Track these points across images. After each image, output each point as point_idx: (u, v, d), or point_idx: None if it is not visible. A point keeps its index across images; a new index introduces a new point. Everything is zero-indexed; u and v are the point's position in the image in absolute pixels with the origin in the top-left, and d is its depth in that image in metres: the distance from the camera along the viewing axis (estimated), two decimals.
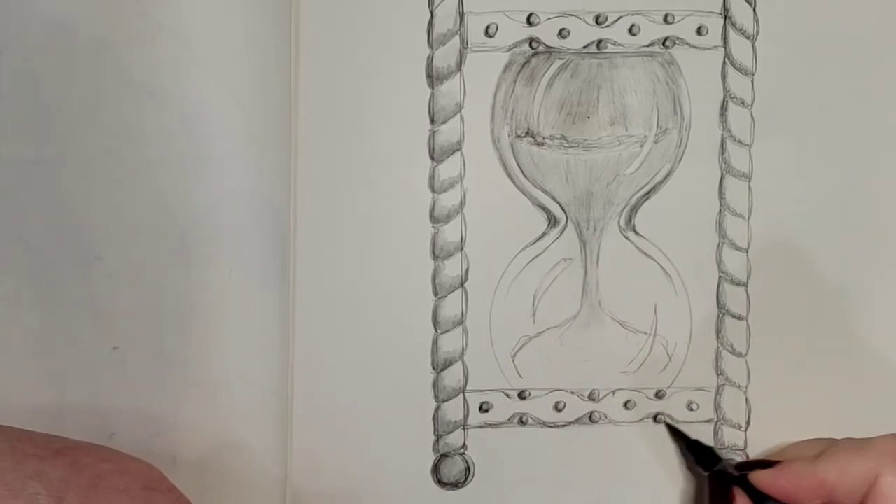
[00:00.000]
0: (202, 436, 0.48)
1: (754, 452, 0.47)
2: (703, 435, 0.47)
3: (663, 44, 0.46)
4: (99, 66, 0.47)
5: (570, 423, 0.47)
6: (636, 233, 0.47)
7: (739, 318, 0.47)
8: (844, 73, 0.47)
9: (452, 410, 0.47)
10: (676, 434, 0.47)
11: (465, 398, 0.47)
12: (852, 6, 0.47)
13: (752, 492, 0.43)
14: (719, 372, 0.47)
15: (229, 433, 0.47)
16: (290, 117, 0.46)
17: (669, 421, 0.47)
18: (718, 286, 0.47)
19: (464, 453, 0.47)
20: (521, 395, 0.47)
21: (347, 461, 0.47)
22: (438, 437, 0.47)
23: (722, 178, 0.46)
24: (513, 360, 0.47)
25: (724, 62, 0.46)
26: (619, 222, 0.47)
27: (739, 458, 0.46)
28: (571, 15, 0.46)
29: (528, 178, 0.47)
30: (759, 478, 0.43)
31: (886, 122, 0.47)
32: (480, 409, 0.47)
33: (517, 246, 0.47)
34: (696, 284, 0.47)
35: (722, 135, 0.47)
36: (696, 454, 0.46)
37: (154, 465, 0.41)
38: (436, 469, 0.47)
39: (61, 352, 0.47)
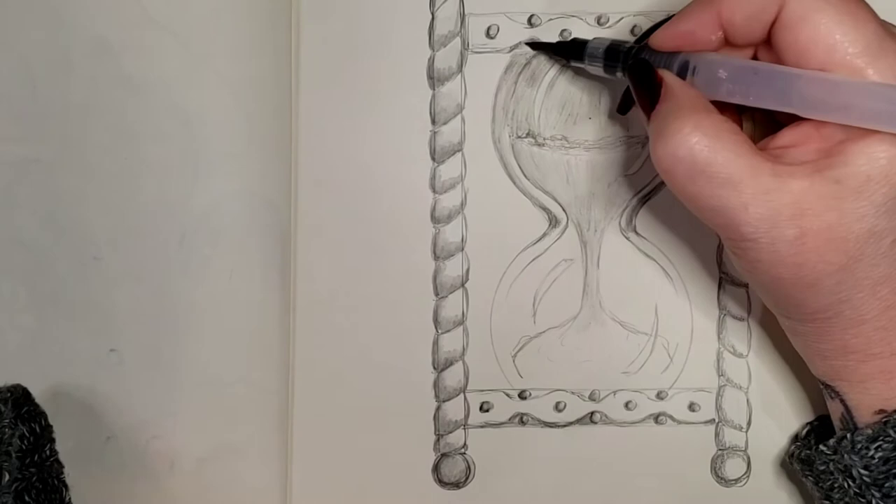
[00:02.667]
0: (201, 437, 0.47)
1: (755, 453, 0.47)
2: (705, 435, 0.47)
3: None
4: (99, 66, 0.47)
5: (570, 423, 0.47)
6: (637, 234, 0.47)
7: (740, 319, 0.47)
8: None
9: (453, 410, 0.47)
10: (539, 46, 0.45)
11: (465, 398, 0.47)
12: None
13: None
14: (720, 373, 0.47)
15: (229, 433, 0.47)
16: (290, 117, 0.46)
17: (534, 42, 0.46)
18: (719, 287, 0.47)
19: (464, 453, 0.47)
20: (522, 395, 0.47)
21: (347, 461, 0.47)
22: (439, 436, 0.47)
23: None
24: (513, 360, 0.47)
25: None
26: (619, 223, 0.47)
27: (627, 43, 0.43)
28: (573, 16, 0.46)
29: (528, 179, 0.47)
30: (658, 38, 0.40)
31: None
32: (481, 408, 0.47)
33: (518, 246, 0.47)
34: (696, 285, 0.47)
35: None
36: (568, 52, 0.44)
37: None
38: (436, 469, 0.47)
39: (58, 353, 0.47)
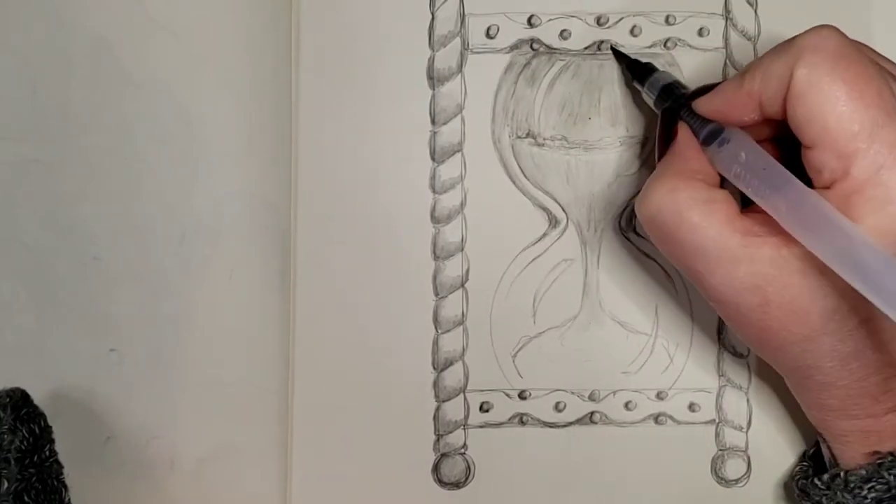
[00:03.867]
0: (201, 437, 0.47)
1: (755, 454, 0.47)
2: (705, 435, 0.47)
3: (664, 45, 0.46)
4: (99, 66, 0.47)
5: (570, 423, 0.47)
6: (637, 234, 0.47)
7: None
8: None
9: (453, 410, 0.47)
10: (619, 55, 0.46)
11: (465, 398, 0.47)
12: (852, 8, 0.47)
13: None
14: (720, 373, 0.47)
15: (229, 433, 0.47)
16: (290, 117, 0.46)
17: (614, 45, 0.46)
18: None
19: (464, 453, 0.47)
20: (522, 395, 0.47)
21: (347, 461, 0.47)
22: (439, 436, 0.47)
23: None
24: (513, 360, 0.47)
25: (726, 63, 0.46)
26: (619, 223, 0.47)
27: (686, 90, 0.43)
28: (573, 16, 0.46)
29: (528, 179, 0.47)
30: (699, 105, 0.41)
31: None
32: (481, 408, 0.47)
33: (518, 246, 0.47)
34: None
35: None
36: (636, 73, 0.45)
37: None
38: (436, 469, 0.47)
39: (57, 353, 0.47)
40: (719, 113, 0.40)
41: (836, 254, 0.35)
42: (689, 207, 0.38)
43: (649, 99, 0.44)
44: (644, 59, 0.45)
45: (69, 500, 0.42)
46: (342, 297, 0.46)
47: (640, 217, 0.40)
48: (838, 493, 0.39)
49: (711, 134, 0.40)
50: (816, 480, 0.41)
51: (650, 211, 0.39)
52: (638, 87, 0.45)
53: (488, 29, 0.46)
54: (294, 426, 0.46)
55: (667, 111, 0.42)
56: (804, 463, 0.44)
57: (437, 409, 0.47)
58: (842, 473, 0.39)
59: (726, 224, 0.37)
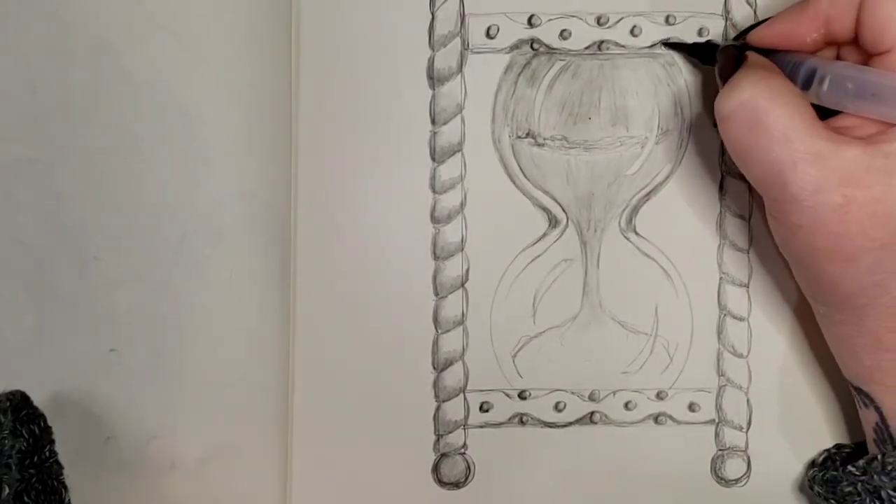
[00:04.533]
0: (201, 437, 0.47)
1: (755, 453, 0.47)
2: (705, 435, 0.47)
3: (665, 45, 0.46)
4: (99, 66, 0.47)
5: (570, 423, 0.47)
6: (637, 233, 0.47)
7: (740, 318, 0.47)
8: None
9: (453, 410, 0.47)
10: (676, 47, 0.46)
11: (465, 398, 0.47)
12: None
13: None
14: (720, 373, 0.47)
15: (229, 433, 0.47)
16: (290, 117, 0.46)
17: (671, 42, 0.46)
18: (719, 287, 0.47)
19: (464, 453, 0.47)
20: (522, 395, 0.47)
21: (347, 461, 0.47)
22: (439, 436, 0.47)
23: (722, 178, 0.47)
24: (513, 360, 0.47)
25: None
26: (619, 223, 0.47)
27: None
28: (573, 16, 0.46)
29: (528, 179, 0.47)
30: (757, 34, 0.42)
31: None
32: (481, 408, 0.47)
33: (518, 246, 0.47)
34: (696, 285, 0.47)
35: None
36: (702, 55, 0.46)
37: None
38: (436, 469, 0.47)
39: (57, 353, 0.47)
40: (781, 37, 0.41)
41: None
42: (784, 93, 0.38)
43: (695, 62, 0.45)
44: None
45: (69, 500, 0.42)
46: (342, 297, 0.46)
47: (722, 112, 0.39)
48: (875, 476, 0.39)
49: (809, 74, 0.40)
50: (851, 468, 0.40)
51: (740, 98, 0.38)
52: (711, 67, 0.45)
53: (488, 29, 0.46)
54: (294, 426, 0.47)
55: (723, 49, 0.44)
56: (823, 464, 0.44)
57: (437, 409, 0.47)
58: (880, 456, 0.39)
59: (814, 118, 0.38)
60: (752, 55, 0.41)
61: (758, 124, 0.38)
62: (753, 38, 0.42)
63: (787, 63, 0.41)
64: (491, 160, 0.47)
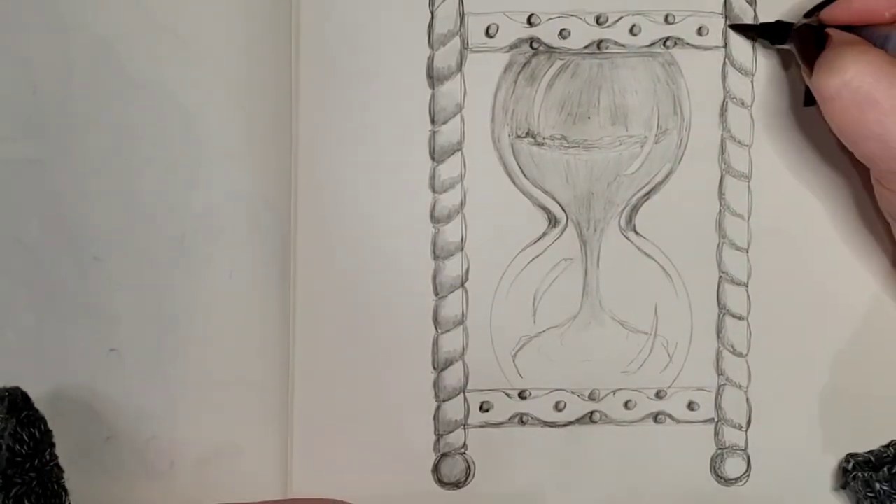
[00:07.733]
0: (201, 437, 0.47)
1: (755, 452, 0.47)
2: (704, 434, 0.47)
3: (664, 44, 0.46)
4: (99, 66, 0.47)
5: (570, 422, 0.47)
6: (636, 233, 0.47)
7: (740, 318, 0.47)
8: None
9: (453, 410, 0.47)
10: (745, 28, 0.46)
11: (465, 398, 0.47)
12: None
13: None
14: (720, 372, 0.47)
15: (229, 433, 0.47)
16: (290, 117, 0.46)
17: (739, 24, 0.46)
18: (719, 286, 0.47)
19: (464, 453, 0.47)
20: (522, 395, 0.47)
21: (347, 461, 0.47)
22: (439, 436, 0.47)
23: (722, 178, 0.47)
24: (513, 360, 0.47)
25: (725, 63, 0.46)
26: (619, 222, 0.47)
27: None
28: (572, 15, 0.46)
29: (528, 179, 0.47)
30: (831, 12, 0.42)
31: None
32: (481, 408, 0.47)
33: (517, 246, 0.47)
34: (696, 284, 0.47)
35: (722, 135, 0.47)
36: (772, 35, 0.46)
37: None
38: (436, 469, 0.47)
39: (58, 353, 0.47)
40: (859, 13, 0.41)
41: None
42: (884, 66, 0.39)
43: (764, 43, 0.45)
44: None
45: (69, 503, 0.42)
46: (342, 297, 0.46)
47: (827, 92, 0.40)
48: None
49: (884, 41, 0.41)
50: None
51: (844, 78, 0.39)
52: (782, 47, 0.45)
53: (488, 28, 0.46)
54: (294, 426, 0.47)
55: (799, 29, 0.44)
56: (855, 467, 0.45)
57: (437, 408, 0.47)
58: None
59: None
60: (836, 32, 0.42)
61: (867, 101, 0.39)
62: (827, 16, 0.42)
63: (873, 37, 0.41)
64: (490, 159, 0.47)
